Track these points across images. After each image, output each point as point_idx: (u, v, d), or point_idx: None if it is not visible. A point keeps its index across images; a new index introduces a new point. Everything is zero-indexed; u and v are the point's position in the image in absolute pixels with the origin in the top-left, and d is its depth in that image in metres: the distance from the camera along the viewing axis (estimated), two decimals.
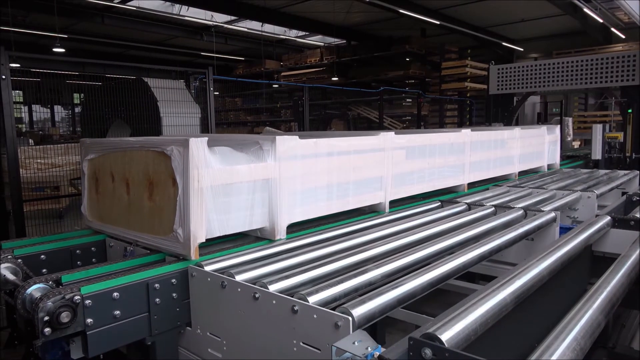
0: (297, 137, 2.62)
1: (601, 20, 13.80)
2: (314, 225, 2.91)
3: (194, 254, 2.23)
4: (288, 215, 2.63)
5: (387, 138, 3.23)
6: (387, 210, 3.32)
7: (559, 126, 6.20)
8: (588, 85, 7.05)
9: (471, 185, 4.35)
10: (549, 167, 5.88)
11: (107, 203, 2.83)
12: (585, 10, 12.72)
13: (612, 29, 14.69)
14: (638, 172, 5.57)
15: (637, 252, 2.33)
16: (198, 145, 2.19)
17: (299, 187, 2.67)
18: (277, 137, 2.50)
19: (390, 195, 3.35)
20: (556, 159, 6.05)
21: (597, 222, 2.86)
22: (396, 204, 3.49)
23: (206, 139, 2.25)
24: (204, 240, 2.26)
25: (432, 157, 3.73)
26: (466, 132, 4.14)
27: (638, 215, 3.09)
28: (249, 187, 2.44)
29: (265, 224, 2.56)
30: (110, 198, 2.78)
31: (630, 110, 6.87)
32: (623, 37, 14.94)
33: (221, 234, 2.37)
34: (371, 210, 3.34)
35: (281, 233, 2.59)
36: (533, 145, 5.43)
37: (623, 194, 4.50)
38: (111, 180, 2.76)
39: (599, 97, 15.12)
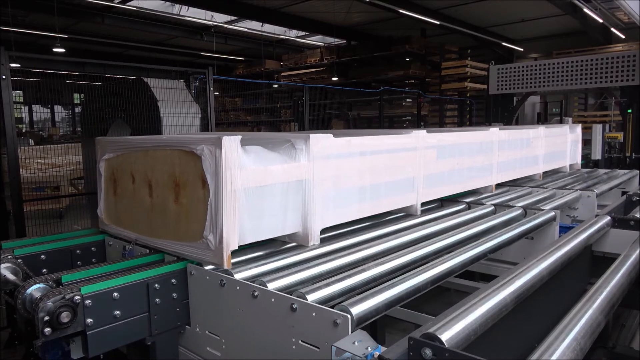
0: (331, 135, 2.46)
1: (601, 20, 13.81)
2: (343, 230, 2.77)
3: (226, 263, 2.05)
4: (321, 219, 2.43)
5: (419, 137, 3.08)
6: (419, 212, 3.15)
7: (579, 125, 6.00)
8: (588, 85, 7.05)
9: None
10: (571, 167, 5.67)
11: (127, 206, 2.67)
12: (585, 10, 12.73)
13: (612, 29, 14.70)
14: (638, 171, 5.58)
15: (637, 252, 2.33)
16: (231, 144, 2.03)
17: (332, 188, 2.49)
18: (311, 135, 2.33)
19: (422, 197, 3.18)
20: (577, 159, 5.86)
21: (597, 222, 2.86)
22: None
23: (239, 137, 2.09)
24: (236, 248, 2.09)
25: (461, 157, 3.57)
26: (494, 131, 3.99)
27: (638, 215, 3.09)
28: (283, 189, 2.26)
29: (298, 228, 2.37)
30: (130, 200, 2.63)
31: (630, 110, 6.88)
32: (623, 37, 14.95)
33: (253, 240, 2.19)
34: (402, 213, 3.18)
35: (314, 238, 2.39)
36: (556, 145, 5.25)
37: (623, 193, 4.50)
38: (131, 181, 2.60)
39: (599, 97, 15.12)
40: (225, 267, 2.05)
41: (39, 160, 7.57)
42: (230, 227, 2.04)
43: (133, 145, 2.59)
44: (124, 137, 2.89)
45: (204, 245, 2.10)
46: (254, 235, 2.18)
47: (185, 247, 2.23)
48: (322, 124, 15.97)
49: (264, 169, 2.18)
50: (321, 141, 2.39)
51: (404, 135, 3.01)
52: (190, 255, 2.21)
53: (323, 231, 2.49)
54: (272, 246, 2.42)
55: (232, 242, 2.06)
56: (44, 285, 1.96)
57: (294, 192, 2.31)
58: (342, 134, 2.64)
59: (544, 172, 4.98)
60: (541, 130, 4.80)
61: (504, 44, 17.16)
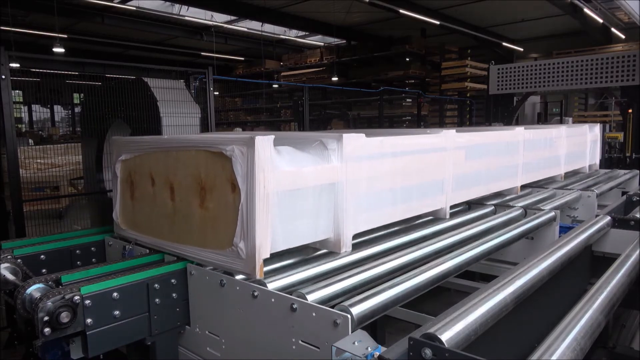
0: (364, 134, 2.33)
1: (601, 20, 13.80)
2: (373, 235, 2.66)
3: (258, 272, 1.91)
4: (353, 224, 2.30)
5: (449, 137, 2.95)
6: (447, 216, 3.03)
7: (598, 125, 5.88)
8: (588, 85, 7.04)
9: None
10: (590, 167, 5.54)
11: (145, 210, 2.53)
12: (585, 10, 12.73)
13: (612, 29, 14.69)
14: (638, 171, 5.57)
15: (637, 252, 2.33)
16: (264, 144, 1.90)
17: (364, 191, 2.36)
18: (344, 135, 2.21)
19: (451, 199, 3.06)
20: (596, 159, 5.74)
21: (597, 222, 2.86)
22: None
23: (272, 136, 1.96)
24: (268, 256, 1.95)
25: (489, 158, 3.47)
26: (520, 130, 3.87)
27: (638, 216, 3.09)
28: (315, 192, 2.12)
29: (330, 234, 2.23)
30: (150, 204, 2.48)
31: (630, 110, 6.87)
32: (623, 37, 14.95)
33: (285, 248, 2.05)
34: (431, 217, 3.07)
35: (347, 245, 2.26)
36: (577, 145, 5.14)
37: (623, 193, 4.50)
38: (151, 184, 2.46)
39: (599, 97, 15.13)
40: (258, 277, 1.91)
41: (38, 160, 7.57)
42: (262, 234, 1.91)
43: (153, 146, 2.45)
44: (142, 137, 2.74)
45: (234, 253, 1.97)
46: (286, 243, 2.04)
47: (211, 254, 2.09)
48: (322, 124, 15.97)
49: (296, 170, 2.04)
50: (354, 141, 2.26)
51: (434, 134, 2.89)
52: (218, 264, 2.08)
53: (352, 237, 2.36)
54: (302, 253, 2.30)
55: (264, 250, 1.93)
56: (44, 286, 1.96)
57: (326, 196, 2.18)
58: (371, 133, 2.51)
59: (565, 173, 4.86)
60: (563, 129, 4.68)
61: (504, 44, 17.15)
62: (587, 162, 5.45)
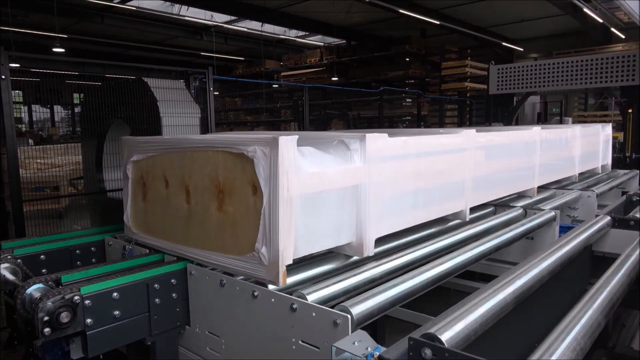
0: (387, 134, 2.26)
1: (601, 20, 13.80)
2: (394, 238, 2.55)
3: (281, 279, 1.82)
4: (376, 228, 2.22)
5: (469, 137, 2.86)
6: (467, 218, 2.95)
7: (610, 124, 5.79)
8: (588, 85, 7.04)
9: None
10: (603, 168, 5.46)
11: (159, 213, 2.44)
12: (585, 10, 12.72)
13: (612, 29, 14.69)
14: (638, 171, 5.57)
15: (637, 252, 2.33)
16: (288, 144, 1.81)
17: (387, 194, 2.27)
18: (367, 135, 2.12)
19: (471, 201, 2.98)
20: (608, 160, 5.66)
21: (597, 222, 2.86)
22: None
23: (296, 136, 1.87)
24: (291, 262, 1.86)
25: (507, 158, 3.40)
26: (537, 130, 3.80)
27: (638, 216, 3.09)
28: (338, 194, 2.04)
29: (352, 238, 2.15)
30: (163, 207, 2.40)
31: (630, 110, 6.87)
32: (623, 37, 14.94)
33: (307, 253, 1.98)
34: (451, 219, 2.99)
35: (369, 249, 2.17)
36: (590, 145, 5.07)
37: (623, 193, 4.50)
38: (164, 185, 2.37)
39: (599, 97, 15.12)
40: (281, 284, 1.83)
41: (38, 160, 7.57)
42: (286, 239, 1.82)
43: (168, 146, 2.36)
44: (156, 137, 2.65)
45: (255, 259, 1.88)
46: (309, 248, 1.96)
47: (230, 260, 2.00)
48: (322, 124, 15.97)
49: (320, 172, 1.96)
50: (377, 141, 2.17)
51: (455, 134, 2.82)
52: (237, 270, 1.99)
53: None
54: (326, 259, 2.22)
55: (287, 255, 1.84)
56: (44, 286, 1.96)
57: (349, 198, 2.09)
58: (392, 133, 2.42)
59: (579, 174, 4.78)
60: (577, 129, 4.63)
61: (504, 44, 17.15)
62: (599, 162, 5.36)
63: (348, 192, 2.09)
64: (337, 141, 2.13)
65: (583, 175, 5.00)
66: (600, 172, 5.35)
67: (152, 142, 2.50)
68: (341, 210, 2.07)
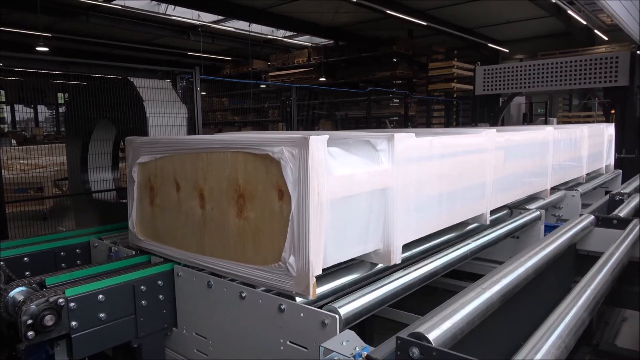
0: (414, 134, 2.14)
1: (584, 22, 14.01)
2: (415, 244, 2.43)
3: (312, 291, 1.69)
4: (404, 233, 2.11)
5: (490, 136, 2.77)
6: (488, 221, 2.86)
7: (612, 124, 5.79)
8: (572, 86, 7.15)
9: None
10: (607, 168, 5.42)
11: (168, 219, 2.30)
12: (569, 12, 12.90)
13: (596, 31, 14.92)
14: (620, 171, 5.67)
15: (620, 250, 2.37)
16: (319, 145, 1.68)
17: (413, 197, 2.17)
18: (395, 134, 2.01)
19: (492, 204, 2.89)
20: (611, 160, 5.61)
21: (582, 222, 2.90)
22: None
23: (326, 136, 1.74)
24: (320, 273, 1.73)
25: (524, 159, 3.34)
26: (550, 130, 3.73)
27: (621, 214, 3.14)
28: (367, 198, 1.93)
29: (379, 245, 2.03)
30: (174, 213, 2.25)
31: (613, 111, 6.99)
32: (606, 38, 15.19)
33: (335, 262, 1.85)
34: (471, 223, 2.90)
35: (396, 256, 2.05)
36: (597, 145, 5.02)
37: (606, 192, 4.57)
38: (175, 189, 2.23)
39: (583, 98, 15.38)
40: (311, 297, 1.70)
41: (22, 161, 7.44)
42: (316, 248, 1.70)
43: (179, 147, 2.21)
44: (166, 137, 2.52)
45: (282, 270, 1.74)
46: (337, 256, 1.84)
47: (252, 270, 1.86)
48: (309, 124, 15.96)
49: (349, 175, 1.84)
50: (405, 141, 2.06)
51: (477, 134, 2.73)
52: (261, 282, 1.84)
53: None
54: (351, 268, 2.11)
55: (317, 265, 1.71)
56: (27, 288, 1.93)
57: (377, 202, 1.98)
58: (419, 133, 2.31)
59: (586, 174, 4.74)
60: (585, 129, 4.58)
61: (490, 45, 17.32)
62: (604, 162, 5.34)
63: (376, 196, 1.97)
64: (361, 141, 2.01)
65: (590, 176, 4.97)
66: (604, 172, 5.32)
67: (161, 142, 2.34)
68: (369, 215, 1.96)
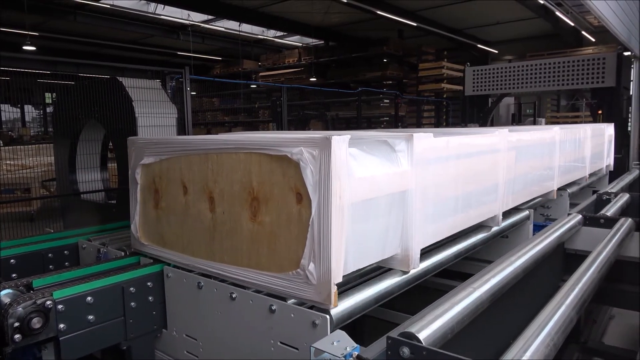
0: (432, 134, 2.08)
1: (572, 24, 14.16)
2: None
3: (333, 301, 1.61)
4: (422, 237, 2.04)
5: (503, 136, 2.71)
6: (500, 224, 2.81)
7: (612, 124, 5.78)
8: (560, 87, 7.23)
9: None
10: (607, 168, 5.38)
11: (174, 223, 2.20)
12: (557, 13, 13.04)
13: (583, 32, 15.09)
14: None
15: (607, 249, 2.40)
16: (341, 145, 1.60)
17: (431, 200, 2.10)
18: (414, 135, 1.94)
19: (504, 205, 2.84)
20: (611, 160, 5.58)
21: (569, 221, 2.93)
22: None
23: (348, 136, 1.66)
24: (340, 280, 1.65)
25: (534, 159, 3.30)
26: (556, 129, 3.69)
27: (608, 214, 3.18)
28: (386, 201, 1.85)
29: (397, 250, 1.96)
30: (181, 217, 2.16)
31: (600, 112, 7.08)
32: (593, 40, 15.37)
33: (355, 269, 1.76)
34: (484, 226, 2.84)
35: (414, 262, 1.98)
36: (598, 145, 4.98)
37: (594, 192, 4.62)
38: (182, 192, 2.13)
39: (571, 99, 15.54)
40: (332, 306, 1.62)
41: (8, 162, 7.36)
42: (338, 255, 1.62)
43: (187, 147, 2.11)
44: (172, 137, 2.41)
45: (301, 277, 1.66)
46: (356, 263, 1.75)
47: (267, 278, 1.77)
48: (300, 125, 15.96)
49: (370, 177, 1.76)
50: (424, 141, 1.99)
51: (490, 134, 2.66)
52: (277, 290, 1.75)
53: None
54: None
55: (338, 273, 1.63)
56: (14, 291, 1.91)
57: (396, 205, 1.90)
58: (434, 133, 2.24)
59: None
60: (588, 129, 4.53)
61: (479, 46, 17.44)
62: (604, 163, 5.32)
63: (396, 199, 1.90)
64: (378, 142, 1.93)
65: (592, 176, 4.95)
66: (605, 172, 5.31)
67: (167, 143, 2.24)
68: (388, 218, 1.88)
